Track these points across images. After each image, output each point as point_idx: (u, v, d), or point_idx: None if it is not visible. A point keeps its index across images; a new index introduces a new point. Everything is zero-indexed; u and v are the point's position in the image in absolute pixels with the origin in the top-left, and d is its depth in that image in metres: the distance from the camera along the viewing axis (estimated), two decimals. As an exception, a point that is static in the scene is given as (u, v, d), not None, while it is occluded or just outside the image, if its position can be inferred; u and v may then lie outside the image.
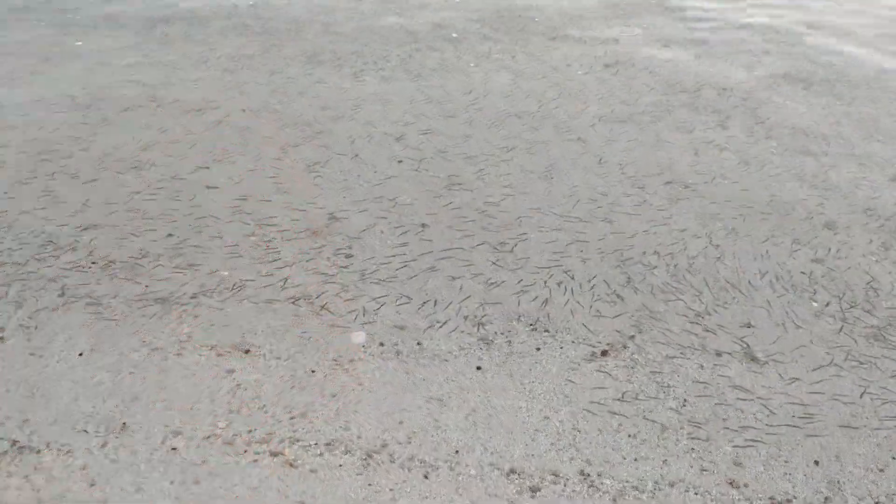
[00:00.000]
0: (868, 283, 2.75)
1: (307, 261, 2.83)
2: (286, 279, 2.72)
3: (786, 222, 3.17)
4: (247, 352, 2.36)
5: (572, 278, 2.75)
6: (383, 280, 2.72)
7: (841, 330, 2.51)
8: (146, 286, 2.67)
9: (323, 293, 2.64)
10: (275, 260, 2.83)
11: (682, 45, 6.02)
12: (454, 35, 6.14)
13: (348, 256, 2.85)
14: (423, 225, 3.08)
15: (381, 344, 2.40)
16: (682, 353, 2.38)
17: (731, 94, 4.85)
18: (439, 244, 2.95)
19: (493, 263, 2.83)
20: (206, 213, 3.16)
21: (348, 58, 5.55)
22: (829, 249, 2.97)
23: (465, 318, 2.53)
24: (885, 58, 5.75)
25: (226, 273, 2.75)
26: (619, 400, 2.19)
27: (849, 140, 4.09)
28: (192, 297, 2.61)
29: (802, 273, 2.81)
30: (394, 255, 2.87)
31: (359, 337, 2.32)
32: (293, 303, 2.59)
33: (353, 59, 5.51)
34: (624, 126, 4.23)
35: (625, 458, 2.00)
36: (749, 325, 2.52)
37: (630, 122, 4.31)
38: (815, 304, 2.63)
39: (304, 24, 6.65)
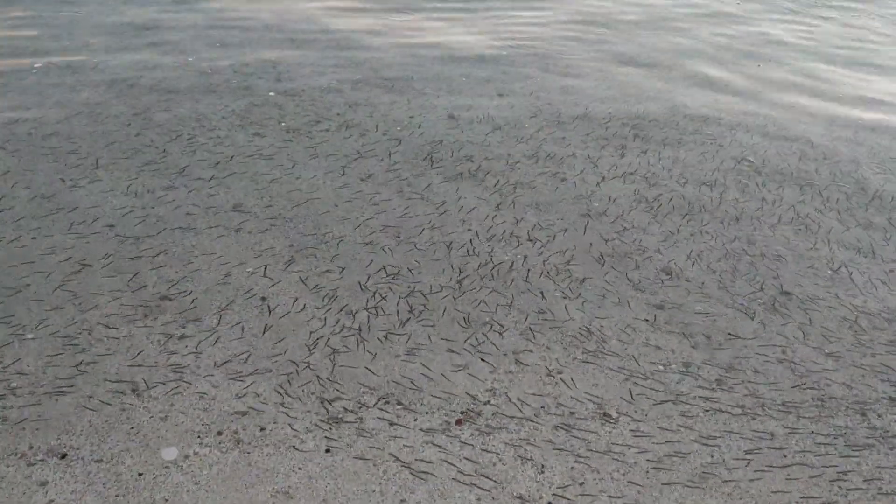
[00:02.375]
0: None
1: (137, 345, 2.58)
2: (112, 367, 2.46)
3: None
4: (63, 456, 2.09)
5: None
6: (222, 360, 2.53)
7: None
8: (-58, 388, 2.33)
9: (153, 381, 2.41)
10: (98, 346, 2.56)
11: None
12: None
13: (182, 338, 2.63)
14: (264, 298, 2.91)
15: (220, 433, 2.20)
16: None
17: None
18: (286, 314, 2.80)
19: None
20: (27, 292, 2.83)
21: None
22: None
23: (313, 395, 2.38)
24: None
25: (41, 363, 2.45)
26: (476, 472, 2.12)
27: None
28: (-2, 397, 2.30)
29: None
30: (230, 329, 2.67)
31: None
32: (119, 395, 2.34)
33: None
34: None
35: (484, 536, 1.92)
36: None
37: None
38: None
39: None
